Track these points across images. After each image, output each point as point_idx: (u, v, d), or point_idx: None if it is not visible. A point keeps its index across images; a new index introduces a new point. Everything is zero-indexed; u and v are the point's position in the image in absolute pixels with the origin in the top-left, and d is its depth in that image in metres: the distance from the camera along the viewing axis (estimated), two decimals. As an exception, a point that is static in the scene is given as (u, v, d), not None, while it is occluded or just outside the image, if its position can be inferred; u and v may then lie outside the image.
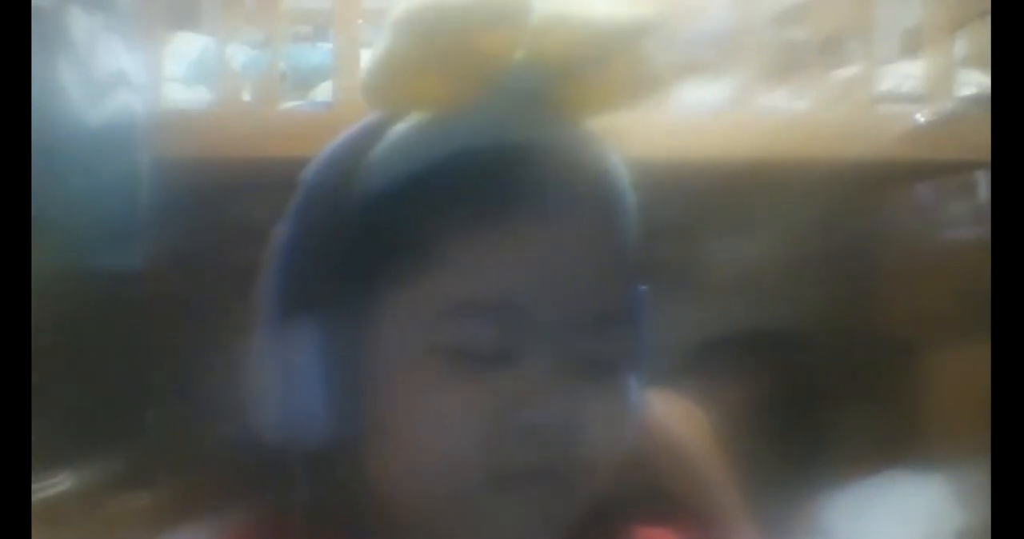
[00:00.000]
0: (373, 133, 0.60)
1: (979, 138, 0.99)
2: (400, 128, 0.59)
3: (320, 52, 1.60)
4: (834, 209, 1.39)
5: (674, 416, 0.75)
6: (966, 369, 1.21)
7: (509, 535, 0.57)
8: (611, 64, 0.57)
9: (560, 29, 0.56)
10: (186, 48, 1.51)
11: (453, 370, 0.55)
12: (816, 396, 1.52)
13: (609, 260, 0.58)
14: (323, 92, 1.46)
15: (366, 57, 1.28)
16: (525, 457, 0.55)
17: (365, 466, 0.57)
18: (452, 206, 0.56)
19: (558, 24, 0.56)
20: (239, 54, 1.46)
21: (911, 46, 1.49)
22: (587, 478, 0.57)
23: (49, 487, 1.18)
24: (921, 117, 1.36)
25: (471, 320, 0.55)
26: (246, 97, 1.41)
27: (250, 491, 0.61)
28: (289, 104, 1.40)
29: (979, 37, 1.38)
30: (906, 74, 1.43)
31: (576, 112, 0.60)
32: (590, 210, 0.58)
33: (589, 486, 0.58)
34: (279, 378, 0.57)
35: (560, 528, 0.58)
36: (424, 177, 0.57)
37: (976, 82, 1.38)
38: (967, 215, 1.52)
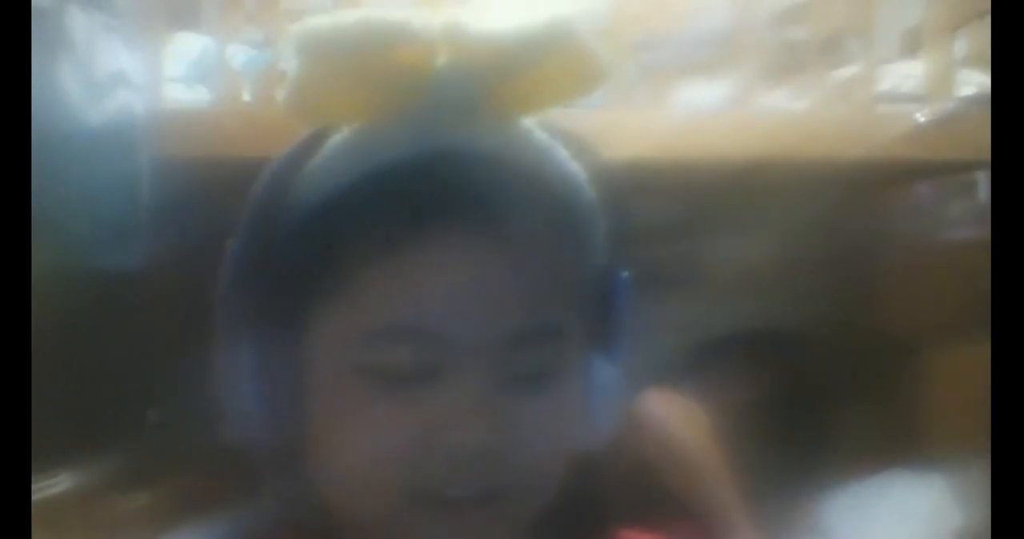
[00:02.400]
0: (309, 146, 0.59)
1: (979, 138, 0.99)
2: (334, 141, 0.58)
3: (320, 52, 1.60)
4: (834, 209, 1.39)
5: (672, 415, 0.74)
6: (966, 369, 1.20)
7: None
8: (543, 63, 0.56)
9: (477, 38, 0.55)
10: (186, 48, 1.51)
11: (378, 390, 0.54)
12: (816, 396, 1.52)
13: (547, 270, 0.56)
14: (323, 92, 1.46)
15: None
16: (452, 480, 0.54)
17: (310, 471, 0.58)
18: (372, 224, 0.55)
19: (466, 37, 0.55)
20: (239, 54, 1.47)
21: (911, 46, 1.49)
22: (531, 495, 0.56)
23: (49, 487, 1.18)
24: (921, 117, 1.36)
25: (389, 344, 0.54)
26: (246, 97, 1.42)
27: (248, 491, 0.61)
28: (289, 104, 1.40)
29: (979, 37, 1.38)
30: (906, 74, 1.43)
31: (517, 110, 0.58)
32: (525, 218, 0.56)
33: (535, 502, 0.57)
34: (231, 386, 0.58)
35: None
36: (350, 191, 0.56)
37: (976, 82, 1.39)
38: (967, 215, 1.52)
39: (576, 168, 0.59)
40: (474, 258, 0.55)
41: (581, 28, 0.56)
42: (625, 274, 0.61)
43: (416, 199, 0.55)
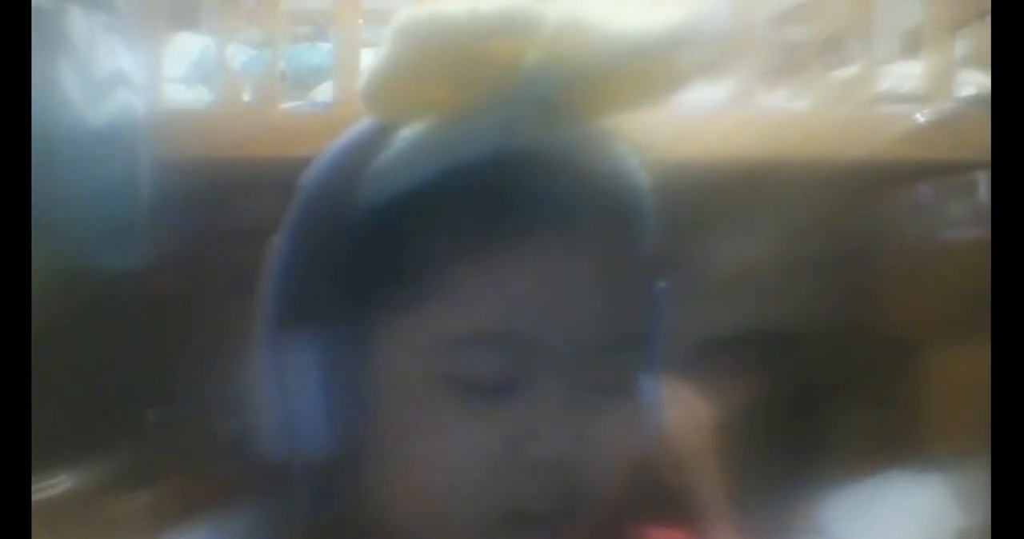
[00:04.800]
0: (376, 139, 0.56)
1: (979, 138, 0.99)
2: (405, 134, 0.55)
3: (320, 52, 1.61)
4: (834, 209, 1.38)
5: (676, 410, 0.73)
6: (966, 369, 1.20)
7: None
8: (629, 67, 0.54)
9: (577, 37, 0.53)
10: (186, 48, 1.51)
11: (455, 401, 0.52)
12: (816, 396, 1.52)
13: (627, 275, 0.54)
14: (323, 92, 1.47)
15: (366, 57, 1.28)
16: (537, 494, 0.52)
17: (366, 486, 0.55)
18: (456, 224, 0.52)
19: (576, 32, 0.52)
20: (239, 54, 1.47)
21: (911, 46, 1.49)
22: (599, 506, 0.54)
23: (49, 487, 1.18)
24: (921, 117, 1.36)
25: (474, 351, 0.52)
26: (246, 97, 1.42)
27: (250, 492, 0.60)
28: (289, 104, 1.40)
29: (979, 37, 1.38)
30: (906, 74, 1.43)
31: (590, 112, 0.56)
32: (607, 221, 0.54)
33: (600, 513, 0.55)
34: (277, 390, 0.54)
35: None
36: (427, 189, 0.53)
37: (976, 82, 1.38)
38: (967, 215, 1.52)
39: (645, 178, 0.57)
40: (561, 262, 0.53)
41: (665, 35, 0.54)
42: (663, 285, 0.59)
43: (499, 199, 0.52)
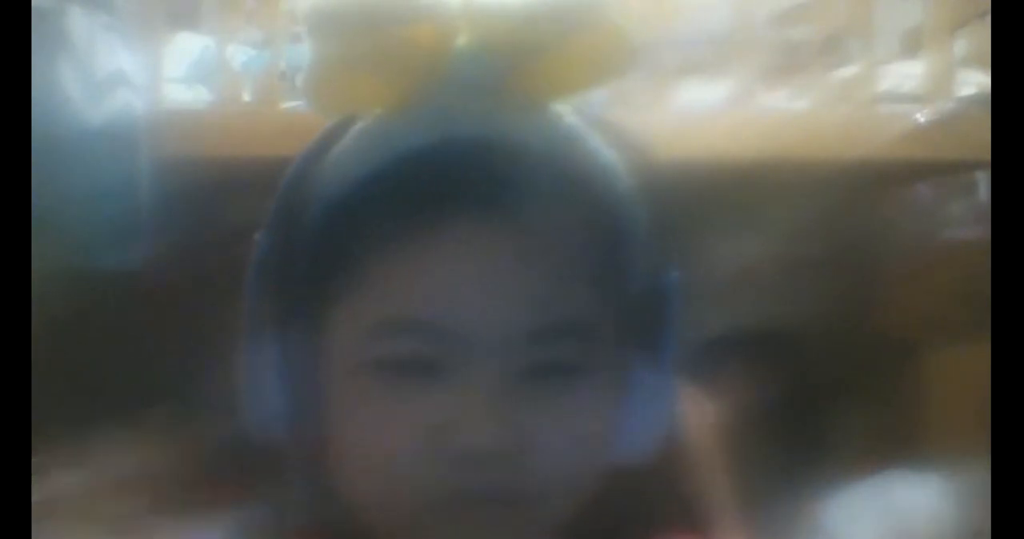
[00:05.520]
0: (333, 135, 0.57)
1: (979, 138, 0.99)
2: (355, 129, 0.56)
3: (320, 52, 1.60)
4: (834, 209, 1.38)
5: (681, 411, 0.72)
6: (966, 369, 1.20)
7: None
8: (571, 42, 0.53)
9: (499, 13, 0.53)
10: (186, 48, 1.51)
11: (386, 385, 0.53)
12: (816, 396, 1.52)
13: (570, 265, 0.53)
14: (323, 92, 1.46)
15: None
16: (466, 480, 0.52)
17: (332, 471, 0.56)
18: (386, 215, 0.53)
19: (496, 8, 0.52)
20: (239, 54, 1.47)
21: (911, 46, 1.49)
22: (558, 498, 0.54)
23: (49, 487, 1.18)
24: (921, 117, 1.36)
25: (394, 340, 0.53)
26: (246, 97, 1.41)
27: (249, 490, 0.61)
28: (289, 104, 1.40)
29: (979, 37, 1.38)
30: (906, 74, 1.43)
31: (544, 94, 0.55)
32: (545, 210, 0.53)
33: (563, 505, 0.55)
34: (254, 382, 0.57)
35: None
36: (366, 182, 0.54)
37: (976, 82, 1.38)
38: (967, 215, 1.52)
39: (611, 158, 0.56)
40: (486, 250, 0.53)
41: (611, 2, 0.54)
42: (675, 274, 0.58)
43: (430, 188, 0.53)
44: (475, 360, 0.52)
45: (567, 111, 0.56)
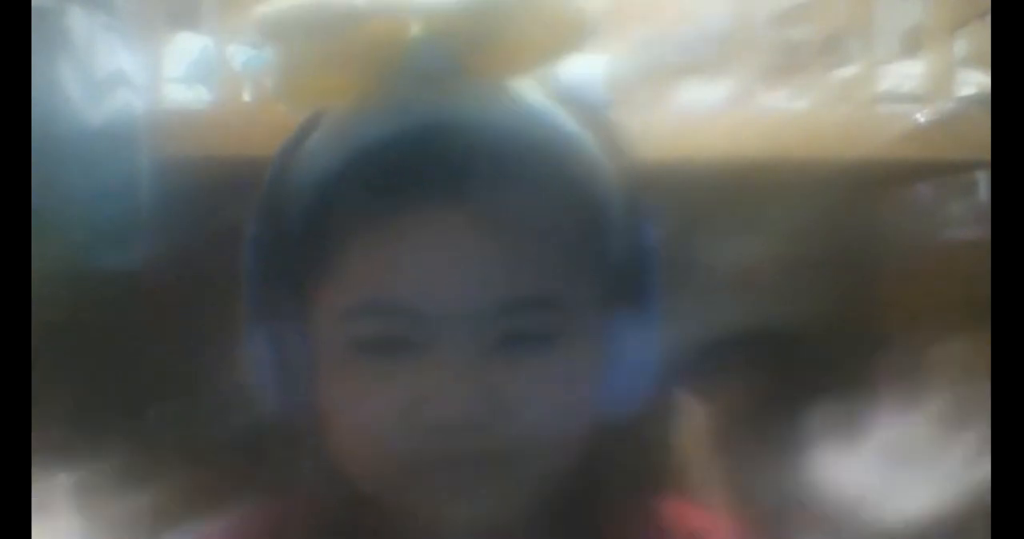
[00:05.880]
0: (307, 128, 0.61)
1: (979, 138, 0.99)
2: (325, 121, 0.60)
3: (320, 52, 1.60)
4: (834, 209, 1.38)
5: (675, 413, 0.74)
6: (966, 369, 1.20)
7: (461, 512, 0.57)
8: (521, 21, 0.55)
9: (449, 1, 0.55)
10: (186, 48, 1.51)
11: (366, 364, 0.57)
12: (816, 396, 1.52)
13: (537, 240, 0.55)
14: (323, 92, 1.46)
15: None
16: (444, 450, 0.55)
17: (331, 446, 0.59)
18: (356, 203, 0.56)
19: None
20: (239, 54, 1.46)
21: (911, 46, 1.49)
22: (540, 460, 0.57)
23: (49, 487, 1.18)
24: (921, 117, 1.36)
25: (367, 318, 0.56)
26: (246, 97, 1.41)
27: (250, 489, 0.61)
28: (289, 104, 1.40)
29: (979, 37, 1.38)
30: (906, 74, 1.43)
31: (502, 74, 0.57)
32: (508, 188, 0.55)
33: (546, 466, 0.57)
34: (255, 367, 0.60)
35: (524, 504, 0.59)
36: (336, 172, 0.57)
37: (976, 82, 1.38)
38: (967, 215, 1.52)
39: (577, 130, 0.58)
40: (453, 232, 0.55)
41: None
42: (649, 228, 0.60)
43: (396, 176, 0.55)
44: (445, 336, 0.55)
45: (530, 89, 0.58)
